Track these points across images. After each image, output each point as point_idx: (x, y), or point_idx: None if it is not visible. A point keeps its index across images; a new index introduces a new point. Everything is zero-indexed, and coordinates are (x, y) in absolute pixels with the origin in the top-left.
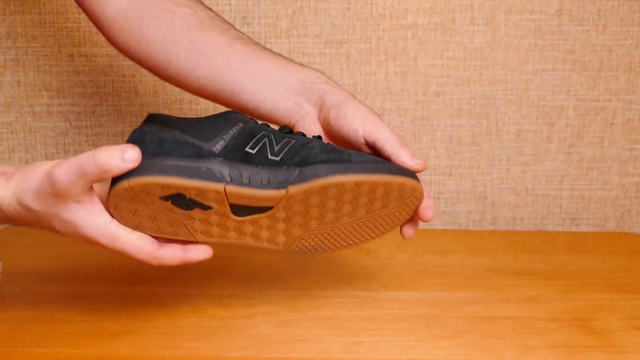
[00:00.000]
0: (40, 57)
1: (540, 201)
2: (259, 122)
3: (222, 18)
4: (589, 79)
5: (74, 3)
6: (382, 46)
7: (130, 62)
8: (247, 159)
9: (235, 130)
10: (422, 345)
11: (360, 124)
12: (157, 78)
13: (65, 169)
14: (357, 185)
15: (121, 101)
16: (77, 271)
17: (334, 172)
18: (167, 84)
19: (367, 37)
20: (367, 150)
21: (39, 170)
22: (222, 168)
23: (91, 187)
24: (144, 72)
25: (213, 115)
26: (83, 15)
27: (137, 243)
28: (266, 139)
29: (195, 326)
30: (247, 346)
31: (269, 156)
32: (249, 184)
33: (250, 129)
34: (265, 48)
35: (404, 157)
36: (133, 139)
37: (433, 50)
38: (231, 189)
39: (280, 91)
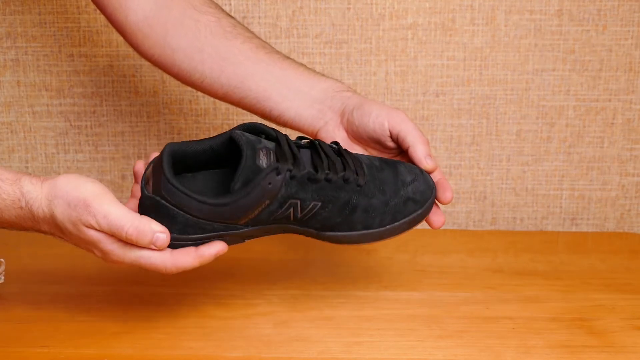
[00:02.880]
0: (40, 57)
1: (540, 201)
2: (288, 174)
3: (244, 26)
4: (589, 79)
5: (74, 3)
6: (382, 46)
7: (131, 62)
8: (274, 222)
9: (260, 209)
10: (422, 345)
11: (385, 118)
12: (157, 78)
13: (102, 215)
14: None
15: (121, 101)
16: (77, 271)
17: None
18: (167, 84)
19: (367, 37)
20: (391, 144)
21: (82, 192)
22: (246, 234)
23: None
24: (144, 72)
25: (237, 194)
26: (83, 15)
27: (152, 254)
28: (291, 209)
29: (195, 326)
30: (247, 346)
31: (292, 220)
32: (270, 234)
33: (277, 204)
34: (287, 57)
35: (420, 152)
36: (166, 212)
37: (433, 50)
38: (251, 240)
39: (304, 100)
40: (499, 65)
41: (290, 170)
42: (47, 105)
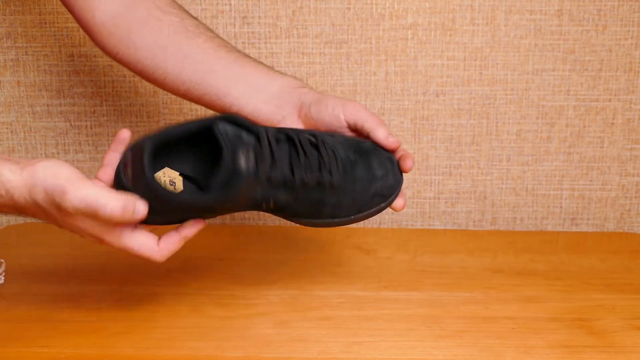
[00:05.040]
0: (40, 57)
1: (540, 201)
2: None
3: (207, 26)
4: (589, 79)
5: None
6: (382, 46)
7: None
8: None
9: (237, 206)
10: (422, 345)
11: (340, 110)
12: None
13: (79, 200)
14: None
15: (121, 101)
16: (77, 271)
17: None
18: None
19: (367, 37)
20: (350, 134)
21: (58, 178)
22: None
23: None
24: None
25: (218, 192)
26: None
27: (141, 239)
28: (264, 203)
29: (195, 326)
30: (247, 346)
31: (264, 208)
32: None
33: (252, 203)
34: (247, 56)
35: (380, 134)
36: (147, 185)
37: (433, 50)
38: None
39: (262, 95)
40: (499, 65)
41: (267, 173)
42: (47, 105)
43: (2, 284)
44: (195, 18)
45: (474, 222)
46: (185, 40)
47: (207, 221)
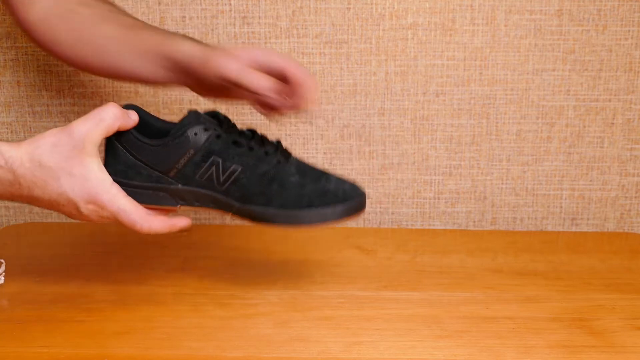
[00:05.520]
0: (40, 57)
1: (540, 201)
2: (214, 134)
3: (121, 10)
4: (589, 79)
5: None
6: (382, 46)
7: None
8: (200, 184)
9: (186, 158)
10: (422, 345)
11: (224, 67)
12: None
13: (82, 119)
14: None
15: (121, 101)
16: (77, 271)
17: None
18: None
19: (367, 37)
20: (237, 89)
21: (54, 129)
22: (178, 193)
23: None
24: None
25: (169, 134)
26: None
27: (132, 205)
28: (213, 168)
29: (195, 326)
30: (247, 346)
31: (216, 184)
32: (201, 206)
33: (200, 157)
34: (155, 30)
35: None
36: (113, 150)
37: (433, 50)
38: (184, 207)
39: (153, 68)
40: (499, 65)
41: (216, 130)
42: (47, 105)
43: (2, 284)
44: (113, 4)
45: (474, 222)
46: (95, 30)
47: (206, 220)
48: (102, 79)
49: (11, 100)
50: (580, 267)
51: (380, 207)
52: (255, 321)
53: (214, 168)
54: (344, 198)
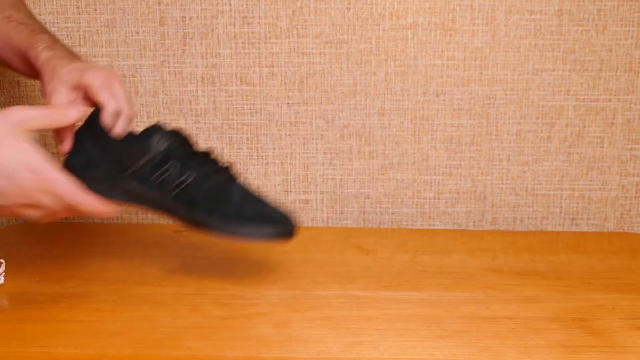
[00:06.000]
0: None
1: (540, 201)
2: (175, 144)
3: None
4: (589, 79)
5: (74, 3)
6: (382, 46)
7: (131, 62)
8: (152, 186)
9: (146, 159)
10: (422, 345)
11: (78, 74)
12: (157, 78)
13: (25, 107)
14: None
15: None
16: (77, 271)
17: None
18: (167, 84)
19: (367, 37)
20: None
21: None
22: (130, 192)
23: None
24: (144, 72)
25: (134, 137)
26: (83, 15)
27: (90, 196)
28: (168, 174)
29: (195, 326)
30: (247, 346)
31: (167, 189)
32: (149, 207)
33: (159, 160)
34: (28, 30)
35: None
36: (80, 142)
37: (433, 50)
38: (133, 205)
39: (21, 64)
40: (499, 65)
41: (177, 143)
42: None
43: (2, 284)
44: (25, 12)
45: (474, 222)
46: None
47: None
48: None
49: (11, 100)
50: (580, 267)
51: (380, 207)
52: (255, 321)
53: (168, 174)
54: (279, 222)
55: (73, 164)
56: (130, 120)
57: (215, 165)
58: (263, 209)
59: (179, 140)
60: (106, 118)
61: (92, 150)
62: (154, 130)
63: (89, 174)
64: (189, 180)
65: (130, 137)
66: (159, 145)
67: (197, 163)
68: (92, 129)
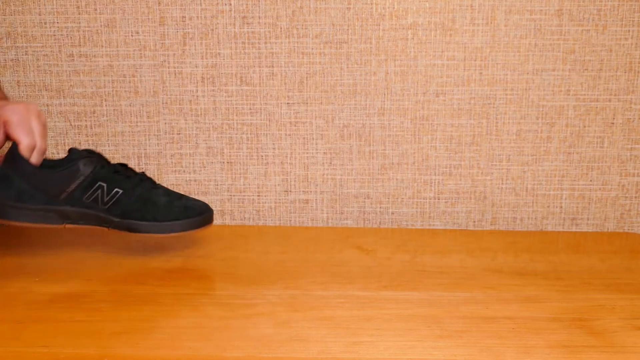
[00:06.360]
0: (40, 57)
1: (540, 201)
2: (99, 165)
3: None
4: (589, 79)
5: (74, 3)
6: (382, 46)
7: (131, 62)
8: (85, 205)
9: (76, 184)
10: (422, 345)
11: None
12: (157, 78)
13: None
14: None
15: (121, 101)
16: (77, 271)
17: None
18: (167, 84)
19: (367, 37)
20: None
21: None
22: (65, 213)
23: None
24: (144, 72)
25: (63, 166)
26: (83, 15)
27: None
28: (99, 191)
29: (196, 326)
30: (247, 346)
31: (100, 205)
32: (84, 224)
33: (88, 182)
34: None
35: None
36: (6, 179)
37: (433, 50)
38: (69, 225)
39: None
40: (499, 65)
41: (100, 162)
42: (47, 105)
43: (1, 283)
44: None
45: (474, 222)
46: None
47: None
48: (102, 78)
49: (11, 100)
50: (580, 267)
51: (380, 207)
52: (255, 321)
53: (99, 191)
54: (200, 212)
55: (5, 201)
56: (42, 153)
57: (136, 175)
58: (186, 204)
59: (101, 161)
60: (23, 152)
61: (20, 184)
62: (77, 155)
63: (23, 206)
64: (118, 195)
65: (53, 164)
66: (86, 169)
67: (121, 178)
68: (15, 164)
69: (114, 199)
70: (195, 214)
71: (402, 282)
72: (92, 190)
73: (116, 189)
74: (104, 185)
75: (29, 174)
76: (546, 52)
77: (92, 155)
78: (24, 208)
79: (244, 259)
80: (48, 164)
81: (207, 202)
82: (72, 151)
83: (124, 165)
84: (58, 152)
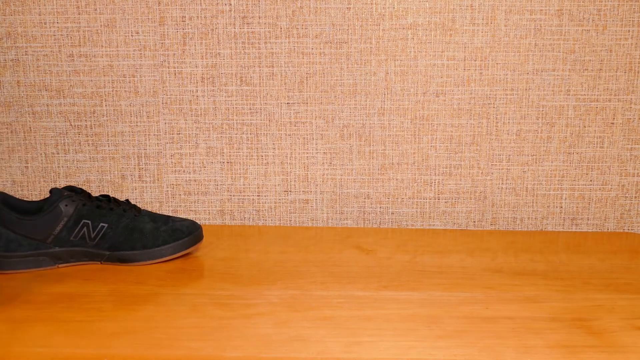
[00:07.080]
0: (40, 57)
1: (540, 201)
2: (80, 203)
3: None
4: (589, 79)
5: (74, 3)
6: (382, 46)
7: (130, 62)
8: (74, 244)
9: (61, 225)
10: (422, 345)
11: None
12: (157, 78)
13: None
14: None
15: (121, 101)
16: (77, 271)
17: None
18: (167, 84)
19: (367, 37)
20: None
21: None
22: (55, 255)
23: None
24: (144, 72)
25: (45, 208)
26: (83, 15)
27: None
28: (85, 229)
29: (195, 326)
30: (247, 346)
31: (88, 241)
32: (76, 262)
33: (73, 222)
34: None
35: None
36: None
37: (433, 50)
38: (63, 266)
39: None
40: (499, 65)
41: (81, 200)
42: (47, 105)
43: (1, 283)
44: None
45: (474, 222)
46: None
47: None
48: (102, 78)
49: (11, 100)
50: (580, 267)
51: (380, 207)
52: (255, 321)
53: (85, 229)
54: (188, 232)
55: None
56: None
57: (119, 206)
58: (173, 226)
59: (82, 198)
60: None
61: (7, 234)
62: (57, 196)
63: (13, 255)
64: (104, 230)
65: (36, 207)
66: (68, 209)
67: (105, 211)
68: (1, 215)
69: (101, 234)
70: (184, 235)
71: (402, 282)
72: (77, 228)
73: (101, 224)
74: (89, 222)
75: (13, 222)
76: (546, 52)
77: (72, 195)
78: (14, 256)
79: (244, 259)
80: (30, 207)
81: (206, 202)
82: (53, 192)
83: (107, 197)
84: (58, 152)
